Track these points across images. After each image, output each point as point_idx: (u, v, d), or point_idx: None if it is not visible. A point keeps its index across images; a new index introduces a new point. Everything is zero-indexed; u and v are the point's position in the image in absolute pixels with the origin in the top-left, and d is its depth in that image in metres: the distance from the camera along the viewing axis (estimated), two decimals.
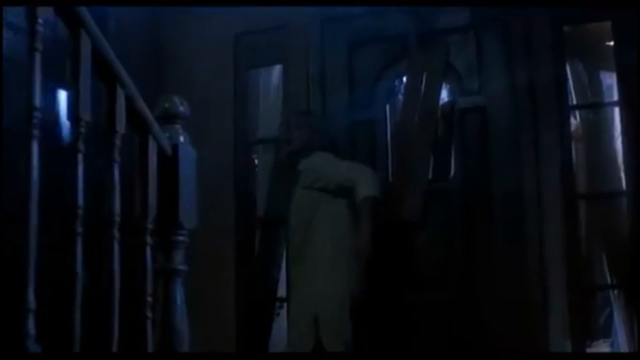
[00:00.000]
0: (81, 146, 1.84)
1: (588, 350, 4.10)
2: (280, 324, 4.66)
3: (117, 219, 1.96)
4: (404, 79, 4.50)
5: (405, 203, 4.25)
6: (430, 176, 4.34)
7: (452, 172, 4.35)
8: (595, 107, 4.51)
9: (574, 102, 4.46)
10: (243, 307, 4.57)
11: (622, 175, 4.21)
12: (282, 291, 4.68)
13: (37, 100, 1.71)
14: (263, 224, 4.82)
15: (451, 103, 4.41)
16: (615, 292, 4.36)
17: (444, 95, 4.46)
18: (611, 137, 4.48)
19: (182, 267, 2.20)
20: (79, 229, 1.82)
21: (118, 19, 4.53)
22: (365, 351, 3.95)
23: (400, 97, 4.52)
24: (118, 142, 1.99)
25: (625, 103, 4.11)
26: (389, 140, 4.45)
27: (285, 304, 4.54)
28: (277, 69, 4.92)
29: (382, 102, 4.51)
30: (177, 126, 2.27)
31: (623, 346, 4.24)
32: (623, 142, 4.15)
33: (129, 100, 2.03)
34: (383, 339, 4.08)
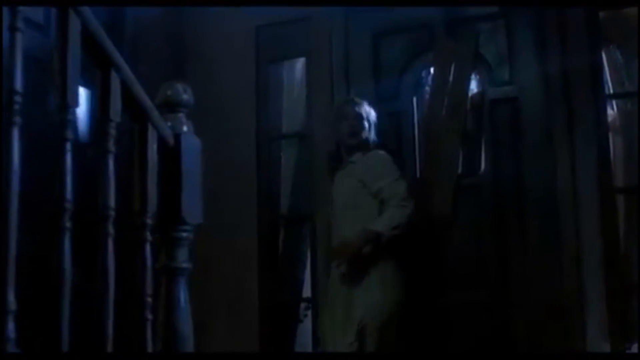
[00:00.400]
0: (70, 134, 1.71)
1: (627, 352, 3.92)
2: (306, 325, 4.53)
3: (112, 213, 1.83)
4: (432, 69, 4.35)
5: (434, 200, 4.09)
6: (459, 171, 4.17)
7: (483, 166, 4.19)
8: (633, 96, 4.32)
9: (611, 91, 4.29)
10: (267, 308, 4.44)
11: None
12: (307, 292, 4.55)
13: (19, 85, 1.58)
14: (287, 221, 4.70)
15: (481, 94, 4.25)
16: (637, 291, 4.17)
17: (474, 86, 4.30)
18: None
19: (185, 265, 2.06)
20: (67, 224, 1.68)
21: (138, 14, 4.44)
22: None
23: (428, 88, 4.37)
24: (112, 131, 1.86)
25: None
26: (416, 134, 4.29)
27: (312, 305, 4.41)
28: (300, 62, 4.78)
29: (408, 94, 4.35)
30: (181, 115, 2.13)
31: None
32: None
33: (125, 86, 1.89)
34: (419, 343, 3.89)
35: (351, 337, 3.62)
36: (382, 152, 3.89)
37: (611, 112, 4.34)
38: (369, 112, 3.91)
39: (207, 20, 4.76)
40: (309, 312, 4.54)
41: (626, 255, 4.17)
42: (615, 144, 4.24)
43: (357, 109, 3.89)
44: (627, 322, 3.95)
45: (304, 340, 4.56)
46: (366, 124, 3.87)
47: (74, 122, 1.73)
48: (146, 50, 4.41)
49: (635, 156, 4.22)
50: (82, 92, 3.41)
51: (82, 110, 3.88)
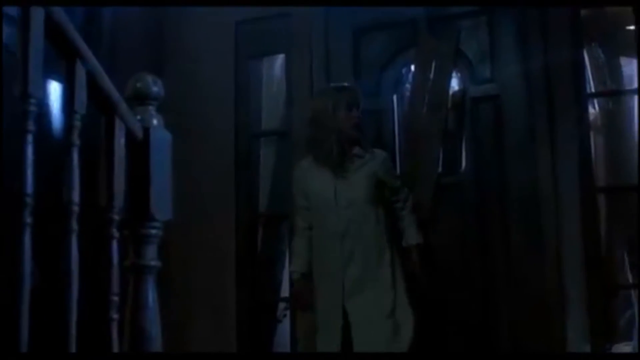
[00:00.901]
0: (31, 126, 1.64)
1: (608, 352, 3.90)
2: (285, 326, 4.47)
3: (76, 209, 1.75)
4: (412, 67, 4.31)
5: (415, 198, 4.03)
6: (440, 169, 4.13)
7: (464, 165, 4.15)
8: (614, 95, 4.30)
9: (592, 90, 4.25)
10: (245, 308, 4.38)
11: None
12: (285, 291, 4.49)
13: None
14: (266, 220, 4.63)
15: (462, 92, 4.21)
16: (638, 291, 4.14)
17: (455, 83, 4.25)
18: (632, 127, 4.26)
19: (154, 263, 1.98)
20: (28, 220, 1.61)
21: (117, 8, 4.38)
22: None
23: (408, 86, 4.33)
24: (77, 123, 1.78)
25: None
26: (397, 132, 4.25)
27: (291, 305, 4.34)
28: (280, 59, 4.72)
29: (389, 91, 4.32)
30: (151, 107, 2.05)
31: None
32: None
33: (91, 78, 1.82)
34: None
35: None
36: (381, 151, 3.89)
37: (593, 110, 4.31)
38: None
39: (187, 15, 4.69)
40: (288, 312, 4.47)
41: (607, 255, 4.15)
42: (596, 143, 4.21)
43: (360, 99, 3.79)
44: (608, 323, 3.92)
45: (283, 340, 4.50)
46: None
47: (35, 113, 1.65)
48: (124, 47, 4.35)
49: (616, 155, 4.21)
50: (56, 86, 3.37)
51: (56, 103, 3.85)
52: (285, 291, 4.48)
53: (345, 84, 3.89)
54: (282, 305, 4.58)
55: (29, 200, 1.62)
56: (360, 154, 3.75)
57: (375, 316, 3.59)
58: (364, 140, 3.80)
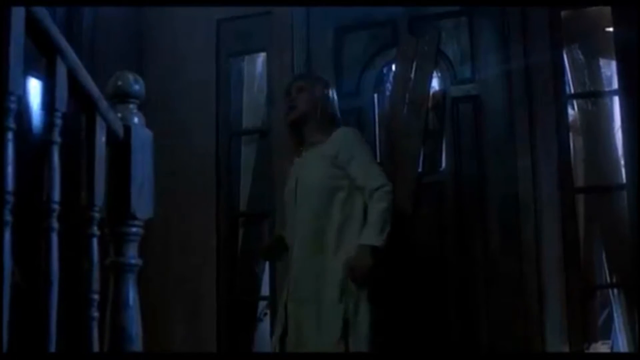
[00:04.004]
0: (10, 123, 1.63)
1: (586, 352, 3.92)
2: (266, 325, 4.47)
3: (56, 207, 1.75)
4: (393, 66, 4.31)
5: (395, 197, 4.03)
6: (420, 169, 4.13)
7: (444, 164, 4.16)
8: (594, 96, 4.31)
9: (572, 91, 4.27)
10: (225, 307, 4.37)
11: (622, 167, 4.01)
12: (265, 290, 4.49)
13: None
14: (246, 218, 4.63)
15: (442, 92, 4.20)
16: (615, 291, 4.17)
17: (435, 83, 4.26)
18: (611, 128, 4.30)
19: (134, 261, 1.98)
20: (8, 218, 1.60)
21: (96, 8, 4.36)
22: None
23: (389, 85, 4.33)
24: (58, 121, 1.78)
25: (625, 92, 3.91)
26: (377, 131, 4.24)
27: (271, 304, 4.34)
28: (261, 57, 4.71)
29: (369, 90, 4.30)
30: (132, 106, 2.05)
31: (623, 348, 4.06)
32: (623, 132, 3.95)
33: (72, 75, 1.81)
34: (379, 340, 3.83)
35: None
36: (348, 129, 3.79)
37: (572, 111, 4.33)
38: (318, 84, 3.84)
39: (168, 13, 4.68)
40: (268, 312, 4.46)
41: (585, 254, 4.18)
42: (575, 144, 4.23)
43: (298, 81, 3.89)
44: (586, 322, 3.95)
45: (263, 341, 4.49)
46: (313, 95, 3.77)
47: (15, 110, 1.65)
48: (105, 44, 4.32)
49: (595, 156, 4.24)
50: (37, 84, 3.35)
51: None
52: (265, 290, 4.47)
53: (299, 73, 4.03)
54: (262, 304, 4.57)
55: (9, 198, 1.61)
56: (317, 141, 3.67)
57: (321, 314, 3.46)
58: (312, 120, 3.72)
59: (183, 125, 4.50)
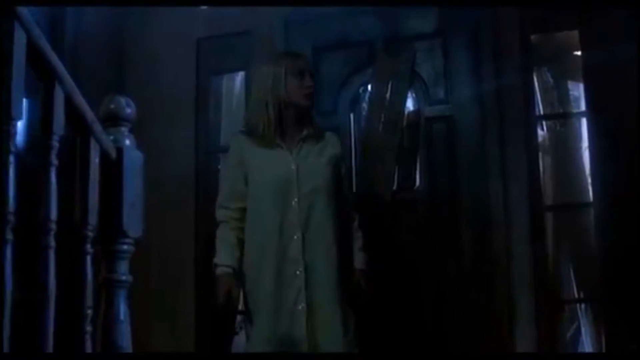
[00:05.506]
0: (12, 147, 1.71)
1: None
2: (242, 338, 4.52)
3: (53, 226, 1.83)
4: (369, 86, 4.40)
5: (370, 215, 4.13)
6: (395, 186, 4.23)
7: (418, 182, 4.26)
8: (562, 117, 4.44)
9: (541, 112, 4.39)
10: (203, 319, 4.43)
11: (589, 186, 4.14)
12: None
13: None
14: None
15: (417, 112, 4.32)
16: (583, 306, 4.29)
17: (410, 103, 4.36)
18: (578, 148, 4.42)
19: (125, 278, 2.06)
20: (9, 236, 1.68)
21: (78, 24, 4.41)
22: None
23: (365, 104, 4.42)
24: (55, 143, 1.86)
25: (592, 113, 4.04)
26: (353, 149, 4.33)
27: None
28: (240, 75, 4.80)
29: (346, 109, 4.40)
30: (123, 129, 2.14)
31: None
32: (590, 152, 4.08)
33: (68, 99, 1.90)
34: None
35: None
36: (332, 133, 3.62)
37: (541, 132, 4.44)
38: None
39: (148, 31, 4.74)
40: (244, 325, 4.52)
41: (554, 270, 4.29)
42: (544, 163, 4.34)
43: (311, 68, 3.45)
44: (555, 335, 4.05)
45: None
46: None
47: (16, 134, 1.73)
48: (86, 61, 4.37)
49: (563, 175, 4.36)
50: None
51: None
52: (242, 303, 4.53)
53: (297, 51, 3.68)
54: (239, 317, 4.62)
55: (10, 217, 1.69)
56: (317, 134, 3.43)
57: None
58: (315, 116, 3.56)
59: (162, 141, 4.55)
